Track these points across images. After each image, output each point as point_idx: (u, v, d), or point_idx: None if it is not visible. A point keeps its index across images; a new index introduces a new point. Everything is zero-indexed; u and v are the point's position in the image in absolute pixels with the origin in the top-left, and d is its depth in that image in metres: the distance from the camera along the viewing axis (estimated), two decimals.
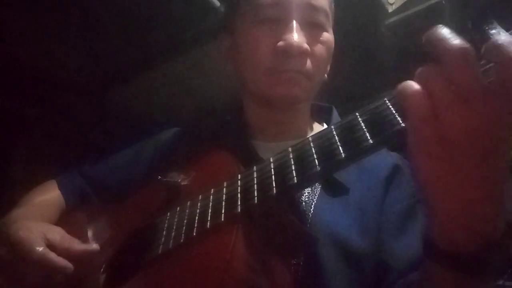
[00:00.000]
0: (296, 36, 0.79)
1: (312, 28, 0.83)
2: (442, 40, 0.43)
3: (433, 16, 1.21)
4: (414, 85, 0.45)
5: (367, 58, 1.40)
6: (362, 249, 0.73)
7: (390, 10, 1.34)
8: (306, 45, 0.79)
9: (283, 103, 0.85)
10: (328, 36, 0.85)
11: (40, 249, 0.70)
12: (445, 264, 0.50)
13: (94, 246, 0.75)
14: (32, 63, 1.40)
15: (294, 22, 0.80)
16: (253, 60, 0.84)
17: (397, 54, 1.34)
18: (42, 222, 0.81)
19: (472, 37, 0.41)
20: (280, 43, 0.80)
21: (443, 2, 1.14)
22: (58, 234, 0.75)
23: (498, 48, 0.41)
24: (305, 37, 0.81)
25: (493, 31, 0.40)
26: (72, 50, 1.37)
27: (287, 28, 0.80)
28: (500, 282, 1.12)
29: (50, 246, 0.72)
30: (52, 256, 0.70)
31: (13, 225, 0.76)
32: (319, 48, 0.83)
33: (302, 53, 0.80)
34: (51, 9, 1.20)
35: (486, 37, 0.39)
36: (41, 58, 1.39)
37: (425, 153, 0.45)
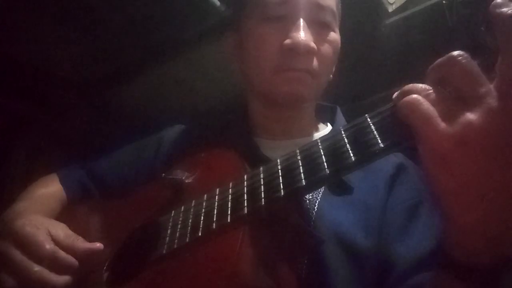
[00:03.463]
0: (303, 34, 0.79)
1: (319, 27, 0.83)
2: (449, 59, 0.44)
3: (433, 16, 1.22)
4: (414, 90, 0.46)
5: (367, 58, 1.40)
6: (365, 248, 0.73)
7: (390, 10, 1.34)
8: (313, 44, 0.79)
9: (289, 101, 0.84)
10: (335, 36, 0.85)
11: (50, 246, 0.70)
12: (459, 276, 0.48)
13: (98, 245, 0.74)
14: (32, 62, 1.39)
15: (302, 20, 0.80)
16: (259, 58, 0.84)
17: (397, 54, 1.34)
18: (45, 217, 0.80)
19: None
20: (287, 41, 0.79)
21: (443, 1, 1.14)
22: (62, 231, 0.75)
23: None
24: (312, 36, 0.80)
25: None
26: (72, 50, 1.36)
27: (295, 26, 0.80)
28: None
29: (54, 242, 0.72)
30: (62, 254, 0.70)
31: (18, 219, 0.75)
32: (326, 48, 0.83)
33: (309, 52, 0.80)
34: (51, 8, 1.20)
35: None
36: (41, 58, 1.38)
37: (440, 161, 0.44)
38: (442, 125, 0.43)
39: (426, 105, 0.44)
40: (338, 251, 0.72)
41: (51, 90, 1.49)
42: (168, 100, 1.58)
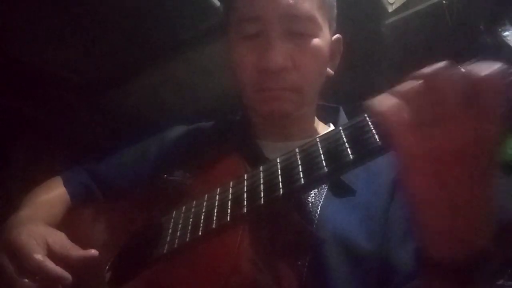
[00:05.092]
0: (274, 55, 0.78)
1: (297, 38, 0.81)
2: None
3: (433, 16, 1.22)
4: (389, 99, 0.46)
5: (367, 58, 1.40)
6: (367, 251, 0.73)
7: (390, 10, 1.34)
8: (284, 63, 0.79)
9: (273, 118, 0.85)
10: (316, 42, 0.83)
11: (38, 256, 0.69)
12: (439, 276, 0.50)
13: (93, 251, 0.74)
14: (32, 62, 1.39)
15: (274, 38, 0.79)
16: (239, 76, 0.85)
17: (397, 54, 1.34)
18: (45, 225, 0.80)
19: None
20: (259, 63, 0.80)
21: (443, 2, 1.15)
22: (59, 240, 0.75)
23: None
24: (288, 50, 0.80)
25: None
26: (72, 49, 1.36)
27: (267, 46, 0.79)
28: (500, 282, 1.13)
29: (50, 252, 0.72)
30: (49, 265, 0.69)
31: (15, 229, 0.76)
32: (306, 59, 0.82)
33: (281, 71, 0.79)
34: (51, 8, 1.20)
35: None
36: (41, 57, 1.38)
37: (413, 168, 0.45)
38: (416, 135, 0.43)
39: (401, 113, 0.44)
40: (340, 253, 0.72)
41: (51, 90, 1.49)
42: (168, 100, 1.58)
